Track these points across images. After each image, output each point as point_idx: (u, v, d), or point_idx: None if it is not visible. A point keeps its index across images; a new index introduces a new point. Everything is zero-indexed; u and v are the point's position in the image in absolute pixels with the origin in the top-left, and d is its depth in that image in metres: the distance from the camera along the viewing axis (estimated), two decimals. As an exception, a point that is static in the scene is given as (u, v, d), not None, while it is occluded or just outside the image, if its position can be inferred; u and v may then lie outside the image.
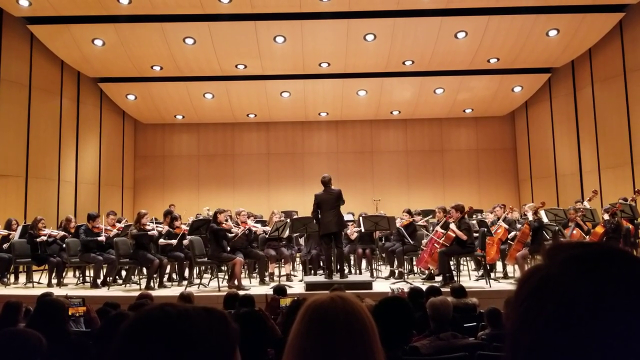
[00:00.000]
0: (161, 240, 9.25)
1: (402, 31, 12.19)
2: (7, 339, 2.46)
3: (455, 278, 8.56)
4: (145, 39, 12.38)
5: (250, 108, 15.46)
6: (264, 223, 10.55)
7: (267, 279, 9.24)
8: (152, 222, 9.46)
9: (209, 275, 9.90)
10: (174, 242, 9.28)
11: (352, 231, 10.08)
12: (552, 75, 14.45)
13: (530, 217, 8.87)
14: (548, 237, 9.04)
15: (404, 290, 5.95)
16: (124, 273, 9.81)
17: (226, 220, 9.16)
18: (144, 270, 9.16)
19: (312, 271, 9.65)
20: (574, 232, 9.15)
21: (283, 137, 16.40)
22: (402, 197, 15.37)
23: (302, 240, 10.53)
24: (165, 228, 9.43)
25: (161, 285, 8.84)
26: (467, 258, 9.71)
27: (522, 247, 8.75)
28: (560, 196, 14.27)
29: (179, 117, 15.90)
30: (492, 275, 9.35)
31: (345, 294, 1.23)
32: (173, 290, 8.30)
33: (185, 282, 9.15)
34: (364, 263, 10.24)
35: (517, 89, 14.85)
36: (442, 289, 5.60)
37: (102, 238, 9.15)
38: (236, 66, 13.52)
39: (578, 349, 0.59)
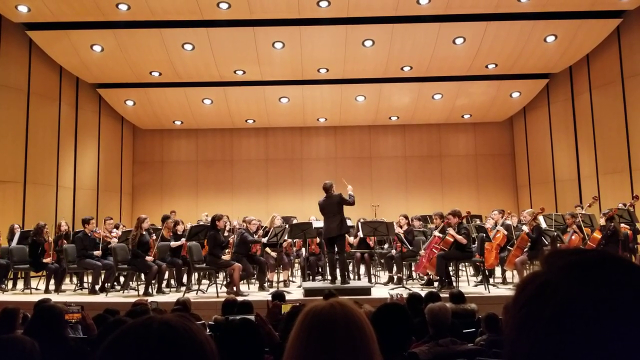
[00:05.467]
0: (172, 243, 9.41)
1: (401, 37, 12.22)
2: (1, 346, 2.45)
3: (454, 283, 8.55)
4: (144, 45, 12.40)
5: (249, 114, 15.47)
6: (264, 229, 10.51)
7: (265, 284, 9.23)
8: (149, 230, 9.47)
9: (207, 281, 9.88)
10: (180, 243, 9.40)
11: (353, 240, 10.06)
12: (550, 81, 14.49)
13: (526, 229, 8.86)
14: (547, 243, 9.05)
15: (402, 296, 5.94)
16: (122, 279, 9.78)
17: (231, 231, 9.17)
18: (142, 276, 9.14)
19: (311, 277, 9.63)
20: (573, 237, 9.16)
21: (282, 143, 16.41)
22: (400, 203, 15.36)
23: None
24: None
25: (159, 291, 8.82)
26: (466, 263, 9.70)
27: (521, 252, 8.75)
28: (559, 202, 14.27)
29: (178, 122, 15.91)
30: (491, 280, 9.34)
31: (343, 300, 1.22)
32: (171, 296, 8.27)
33: (183, 288, 9.12)
34: (362, 269, 10.22)
35: (515, 95, 14.89)
36: (441, 294, 5.59)
37: (98, 253, 9.18)
38: (235, 72, 13.54)
39: (577, 356, 0.59)
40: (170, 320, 0.86)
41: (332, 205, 8.20)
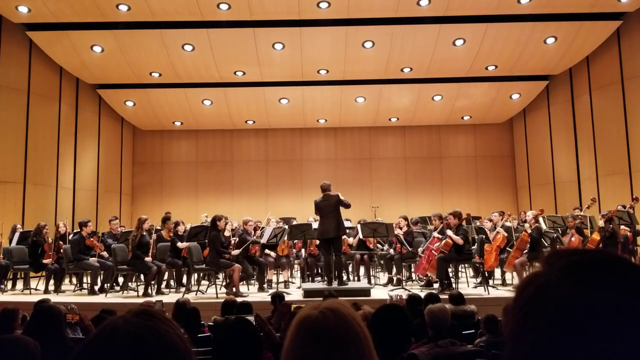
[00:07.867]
0: (179, 244, 9.35)
1: (401, 38, 12.23)
2: (2, 346, 2.44)
3: (454, 285, 8.54)
4: (144, 46, 12.40)
5: (249, 115, 15.47)
6: (261, 229, 10.53)
7: (265, 285, 9.23)
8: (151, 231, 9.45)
9: (206, 282, 9.87)
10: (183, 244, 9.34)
11: (352, 241, 10.06)
12: (550, 83, 14.49)
13: (528, 228, 8.84)
14: (546, 245, 9.04)
15: (402, 297, 5.94)
16: (121, 280, 9.77)
17: (234, 235, 9.14)
18: (142, 276, 9.13)
19: (310, 278, 9.63)
20: (572, 239, 9.16)
21: (282, 144, 16.41)
22: (400, 204, 15.36)
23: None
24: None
25: (159, 292, 8.81)
26: (466, 265, 9.70)
27: (521, 254, 8.74)
28: (559, 203, 14.28)
29: (178, 123, 15.91)
30: (491, 282, 9.33)
31: (336, 305, 1.18)
32: (171, 297, 8.26)
33: (183, 289, 9.11)
34: (362, 270, 10.22)
35: (515, 96, 14.89)
36: (441, 296, 5.59)
37: (94, 260, 9.16)
38: (235, 73, 13.55)
39: (577, 356, 0.59)
40: (136, 326, 0.82)
41: (330, 206, 8.14)
